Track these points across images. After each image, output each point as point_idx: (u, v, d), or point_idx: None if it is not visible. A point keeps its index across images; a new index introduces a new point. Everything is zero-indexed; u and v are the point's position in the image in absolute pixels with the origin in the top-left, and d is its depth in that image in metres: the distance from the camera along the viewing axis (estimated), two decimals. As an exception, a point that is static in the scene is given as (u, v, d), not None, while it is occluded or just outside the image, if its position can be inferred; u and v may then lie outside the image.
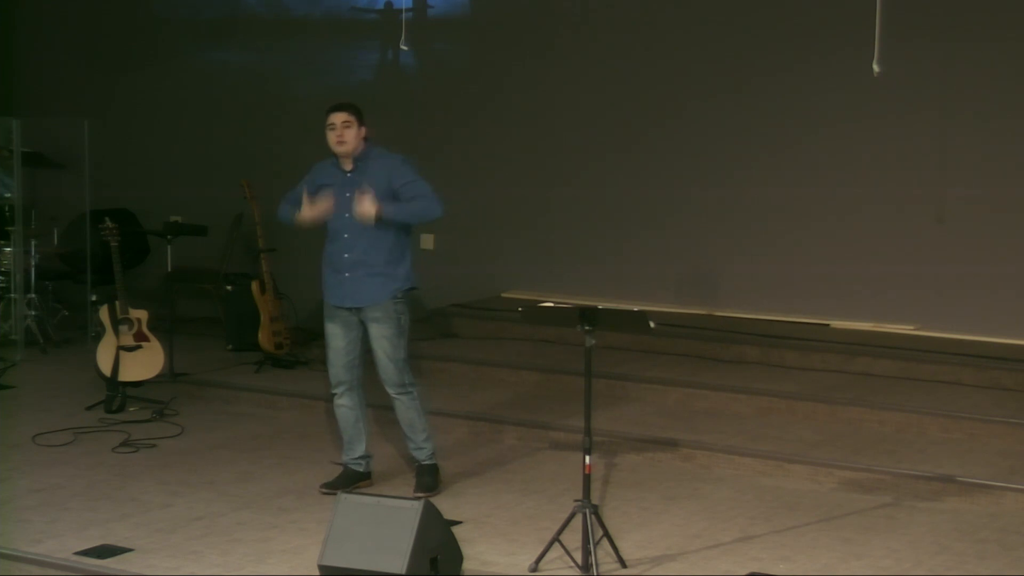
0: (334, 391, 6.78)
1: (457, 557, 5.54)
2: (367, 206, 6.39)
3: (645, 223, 9.87)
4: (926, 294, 8.96)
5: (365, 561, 5.26)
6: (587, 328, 5.58)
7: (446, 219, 10.45)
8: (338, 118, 6.61)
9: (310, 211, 6.56)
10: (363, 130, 6.65)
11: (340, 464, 6.87)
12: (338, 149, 6.60)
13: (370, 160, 6.63)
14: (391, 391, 6.70)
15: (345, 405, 6.76)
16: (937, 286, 8.91)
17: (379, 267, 6.61)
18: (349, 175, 6.61)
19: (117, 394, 8.24)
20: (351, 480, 6.70)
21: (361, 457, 6.79)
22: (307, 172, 6.85)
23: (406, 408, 6.72)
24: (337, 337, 6.70)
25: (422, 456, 6.75)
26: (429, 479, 6.70)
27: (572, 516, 5.67)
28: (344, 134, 6.57)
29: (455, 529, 5.76)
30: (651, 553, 5.89)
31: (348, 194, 6.53)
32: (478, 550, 5.86)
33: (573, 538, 5.63)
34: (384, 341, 6.63)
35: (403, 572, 5.17)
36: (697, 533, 6.16)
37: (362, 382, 6.80)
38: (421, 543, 5.25)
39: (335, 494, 5.71)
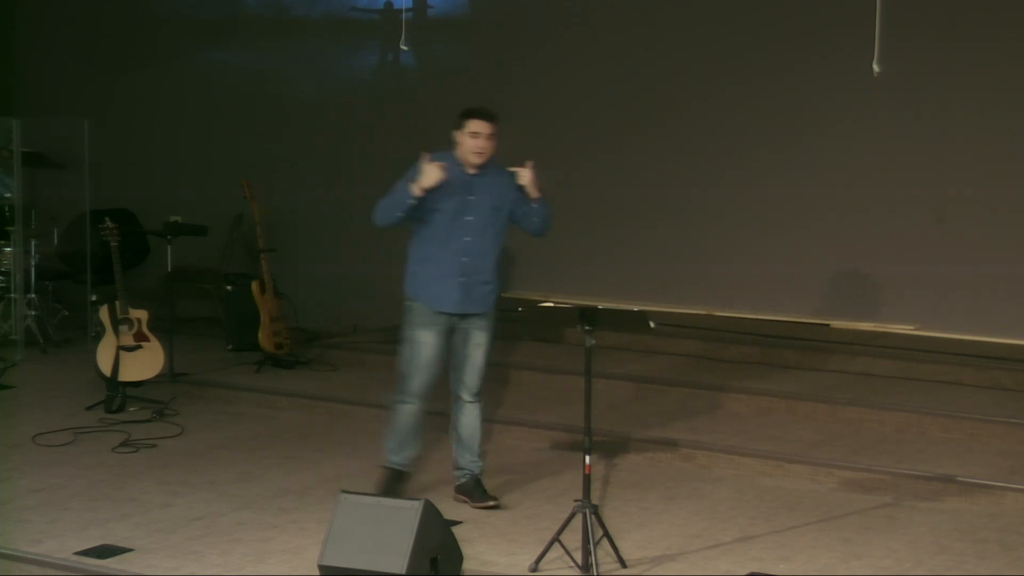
0: (405, 402, 6.49)
1: (457, 557, 5.54)
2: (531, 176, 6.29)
3: (645, 223, 9.88)
4: (926, 294, 8.96)
5: (365, 561, 5.25)
6: (587, 328, 5.58)
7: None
8: (486, 128, 6.30)
9: (434, 172, 6.18)
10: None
11: (390, 466, 6.58)
12: (475, 159, 6.30)
13: (491, 167, 6.37)
14: (467, 397, 6.50)
15: (413, 414, 6.50)
16: (937, 286, 8.91)
17: (488, 274, 6.39)
18: (473, 177, 6.34)
19: (117, 394, 8.24)
20: (398, 481, 6.52)
21: (407, 462, 6.57)
22: (413, 165, 6.40)
23: (475, 416, 6.52)
24: (430, 346, 6.39)
25: (477, 468, 6.56)
26: (479, 487, 6.52)
27: (572, 516, 5.66)
28: (487, 146, 6.31)
29: (455, 529, 5.76)
30: (651, 553, 5.88)
31: (471, 197, 6.32)
32: (478, 550, 5.86)
33: (573, 538, 5.63)
34: (482, 349, 6.43)
35: (403, 572, 5.17)
36: (697, 533, 6.16)
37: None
38: (421, 543, 5.25)
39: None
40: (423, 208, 6.31)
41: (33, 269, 10.04)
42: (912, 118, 8.98)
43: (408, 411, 6.49)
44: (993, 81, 8.77)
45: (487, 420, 7.81)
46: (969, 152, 8.86)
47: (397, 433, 6.54)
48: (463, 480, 6.55)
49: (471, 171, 6.34)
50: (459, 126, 6.35)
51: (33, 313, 9.97)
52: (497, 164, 6.41)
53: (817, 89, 9.24)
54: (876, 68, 7.24)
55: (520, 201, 6.38)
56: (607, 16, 9.97)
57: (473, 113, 6.34)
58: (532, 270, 10.15)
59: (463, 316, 6.38)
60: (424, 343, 6.38)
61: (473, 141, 6.29)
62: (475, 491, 6.50)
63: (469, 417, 6.52)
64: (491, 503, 6.43)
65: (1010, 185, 8.73)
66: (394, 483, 6.51)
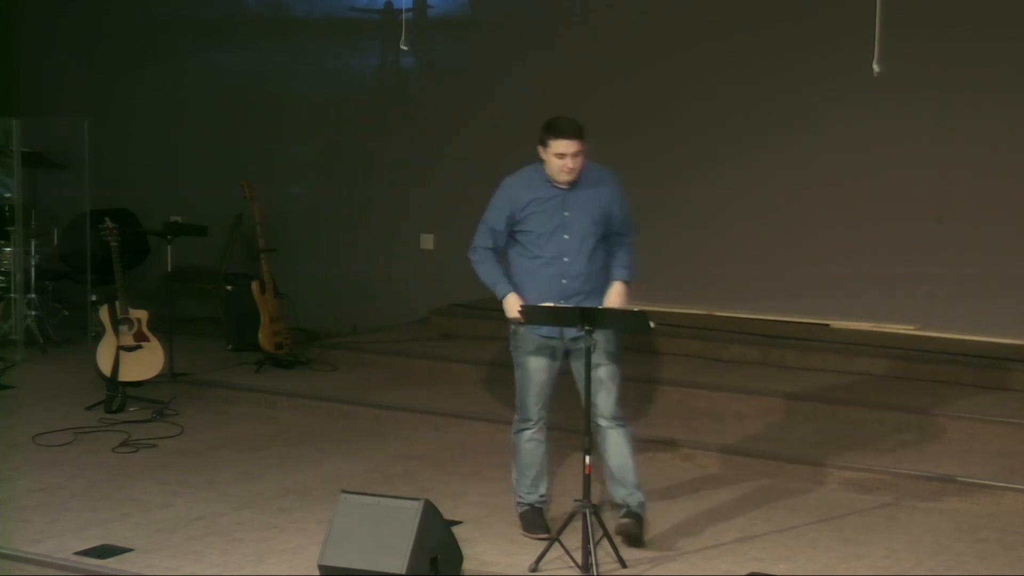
0: (525, 427, 6.12)
1: (457, 557, 5.54)
2: (619, 299, 5.93)
3: (645, 223, 9.77)
4: (926, 294, 8.96)
5: (365, 561, 5.26)
6: (587, 328, 5.58)
7: (446, 219, 10.64)
8: (571, 148, 5.83)
9: (511, 311, 5.94)
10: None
11: (528, 504, 6.16)
12: (564, 178, 5.89)
13: (585, 176, 5.93)
14: (605, 423, 5.97)
15: (536, 439, 6.10)
16: (937, 286, 8.91)
17: (599, 292, 5.97)
18: (567, 192, 5.93)
19: (117, 394, 8.24)
20: (540, 516, 6.10)
21: (544, 495, 6.16)
22: (498, 189, 6.14)
23: (621, 443, 6.00)
24: (541, 371, 6.01)
25: (634, 501, 6.00)
26: (638, 530, 5.95)
27: (572, 516, 5.66)
28: (576, 164, 5.87)
29: (455, 529, 5.77)
30: (651, 553, 5.88)
31: (567, 213, 5.92)
32: (478, 550, 5.86)
33: (573, 538, 5.63)
34: (604, 368, 5.92)
35: (403, 572, 5.17)
36: (697, 533, 6.16)
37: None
38: (421, 543, 5.25)
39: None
40: (516, 231, 6.02)
41: (33, 269, 10.04)
42: (912, 118, 8.98)
43: (529, 440, 6.10)
44: (993, 81, 8.76)
45: (488, 420, 7.87)
46: (969, 152, 8.86)
47: (527, 467, 6.12)
48: (623, 520, 6.00)
49: (562, 186, 5.94)
50: (542, 142, 5.91)
51: (33, 313, 9.97)
52: (590, 167, 5.98)
53: (817, 89, 9.24)
54: (876, 68, 7.24)
55: (621, 221, 6.04)
56: (607, 16, 9.97)
57: (556, 131, 5.85)
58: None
59: (575, 339, 5.86)
60: (535, 369, 6.01)
61: (560, 162, 5.86)
62: (625, 529, 5.94)
63: (613, 444, 6.00)
64: (630, 542, 5.88)
65: (1010, 185, 8.72)
66: (538, 518, 6.11)
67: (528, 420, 6.12)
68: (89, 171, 10.25)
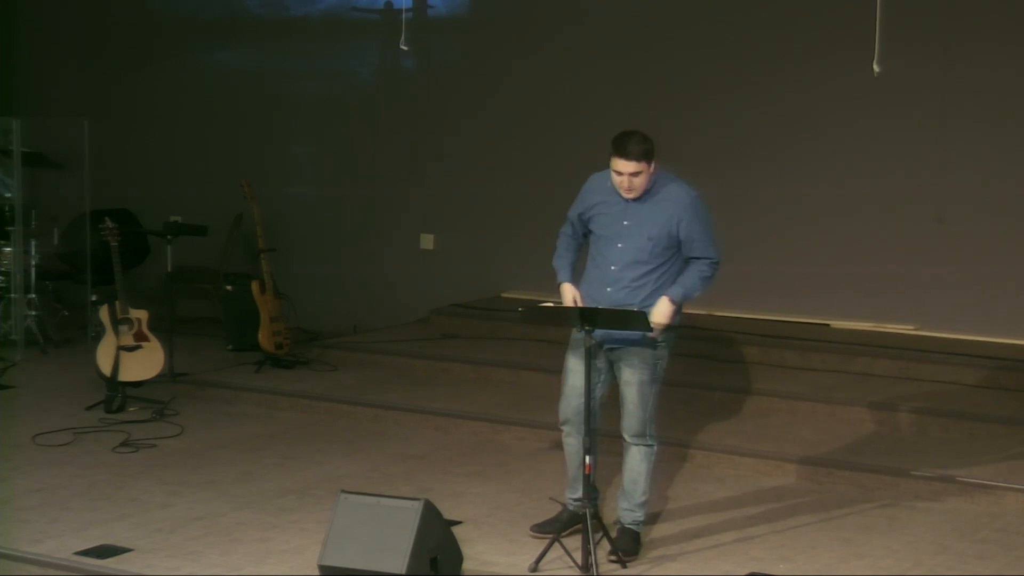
0: (561, 426, 6.07)
1: (457, 557, 5.54)
2: (663, 317, 5.78)
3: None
4: (926, 294, 8.96)
5: (365, 561, 5.26)
6: (587, 328, 5.58)
7: (446, 219, 10.65)
8: (628, 168, 5.73)
9: (566, 299, 5.91)
10: (653, 166, 5.78)
11: (561, 504, 6.16)
12: (624, 195, 5.83)
13: (657, 190, 5.83)
14: (627, 438, 5.96)
15: (569, 442, 6.04)
16: (937, 286, 8.91)
17: (636, 306, 5.80)
18: (630, 202, 5.84)
19: (117, 394, 8.23)
20: (558, 520, 6.06)
21: (580, 500, 5.89)
22: (584, 183, 6.11)
23: (637, 460, 5.96)
24: (576, 373, 5.88)
25: (628, 519, 5.98)
26: (631, 543, 5.90)
27: (572, 516, 5.66)
28: (633, 184, 5.77)
29: (455, 529, 5.77)
30: (651, 553, 5.89)
31: (626, 222, 5.84)
32: (478, 550, 5.86)
33: (573, 538, 5.63)
34: (633, 387, 5.88)
35: (403, 572, 5.17)
36: (697, 533, 6.16)
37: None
38: (421, 543, 5.25)
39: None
40: (588, 226, 6.00)
41: (33, 269, 10.03)
42: (912, 118, 8.98)
43: (566, 443, 6.06)
44: (993, 81, 8.76)
45: (487, 420, 7.87)
46: (969, 152, 8.86)
47: (568, 467, 6.11)
48: (616, 532, 5.96)
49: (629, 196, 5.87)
50: (611, 153, 5.84)
51: (33, 313, 9.96)
52: (668, 181, 5.88)
53: (817, 89, 9.24)
54: (876, 68, 7.24)
55: (692, 244, 5.83)
56: (607, 16, 9.97)
57: (617, 149, 5.75)
58: (532, 270, 10.14)
59: (613, 349, 5.86)
60: (572, 370, 5.93)
61: (618, 179, 5.78)
62: (616, 540, 5.86)
63: (631, 460, 5.97)
64: (619, 558, 5.77)
65: (1010, 185, 8.72)
66: (558, 520, 6.06)
67: (562, 421, 6.06)
68: (89, 171, 10.25)
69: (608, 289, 5.86)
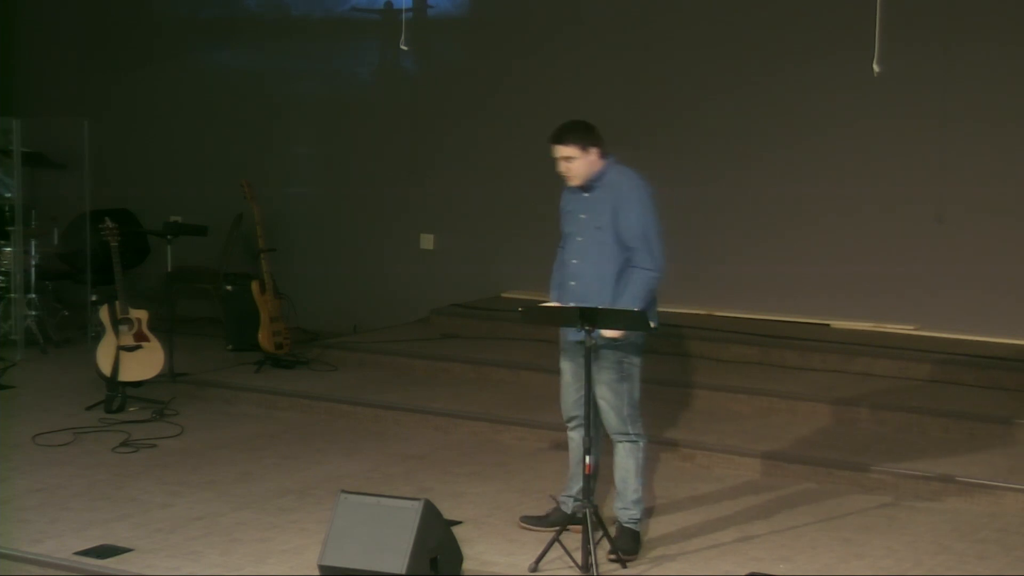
0: (566, 424, 6.14)
1: (457, 557, 5.54)
2: (612, 333, 5.77)
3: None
4: (926, 294, 8.96)
5: (365, 561, 5.26)
6: (587, 328, 5.58)
7: (446, 219, 10.65)
8: (558, 152, 5.89)
9: None
10: (592, 152, 5.89)
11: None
12: (569, 183, 5.97)
13: (604, 180, 5.90)
14: (612, 436, 5.99)
15: (571, 438, 6.09)
16: (937, 286, 8.91)
17: (600, 301, 5.77)
18: (583, 195, 5.94)
19: (117, 394, 8.24)
20: (552, 515, 6.13)
21: (573, 496, 6.07)
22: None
23: (623, 456, 5.96)
24: (564, 372, 6.03)
25: (624, 518, 5.96)
26: (630, 542, 5.88)
27: (572, 516, 5.66)
28: (568, 168, 5.90)
29: (455, 529, 5.77)
30: (651, 553, 5.89)
31: (582, 216, 5.91)
32: (478, 550, 5.86)
33: (573, 538, 5.63)
34: (604, 385, 5.88)
35: (403, 572, 5.17)
36: (697, 533, 6.16)
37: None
38: (421, 543, 5.25)
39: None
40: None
41: (33, 269, 10.04)
42: (912, 118, 8.98)
43: (570, 437, 6.11)
44: (993, 81, 8.77)
45: (487, 420, 7.87)
46: (969, 152, 8.86)
47: (571, 464, 6.17)
48: (615, 532, 5.94)
49: (585, 190, 5.94)
50: None
51: (33, 313, 9.96)
52: (615, 171, 5.94)
53: (817, 89, 9.24)
54: (876, 68, 7.24)
55: (628, 232, 5.83)
56: (607, 16, 9.97)
57: (552, 135, 5.94)
58: (532, 270, 10.14)
59: (580, 340, 5.77)
60: (562, 370, 6.05)
61: (558, 167, 5.95)
62: (615, 540, 5.84)
63: (617, 457, 5.98)
64: (619, 557, 5.77)
65: (1010, 185, 8.73)
66: (551, 514, 6.14)
67: (565, 420, 6.12)
68: (89, 171, 10.26)
69: (572, 283, 5.93)
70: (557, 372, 8.44)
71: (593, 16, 10.04)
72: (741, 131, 9.50)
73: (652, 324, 5.72)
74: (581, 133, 5.91)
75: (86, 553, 5.79)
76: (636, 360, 5.93)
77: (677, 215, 9.70)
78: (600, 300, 5.77)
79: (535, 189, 10.09)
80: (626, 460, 5.97)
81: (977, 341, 8.65)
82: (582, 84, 9.98)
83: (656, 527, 6.23)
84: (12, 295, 9.85)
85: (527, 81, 10.21)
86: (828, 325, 9.23)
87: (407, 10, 10.42)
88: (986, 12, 8.75)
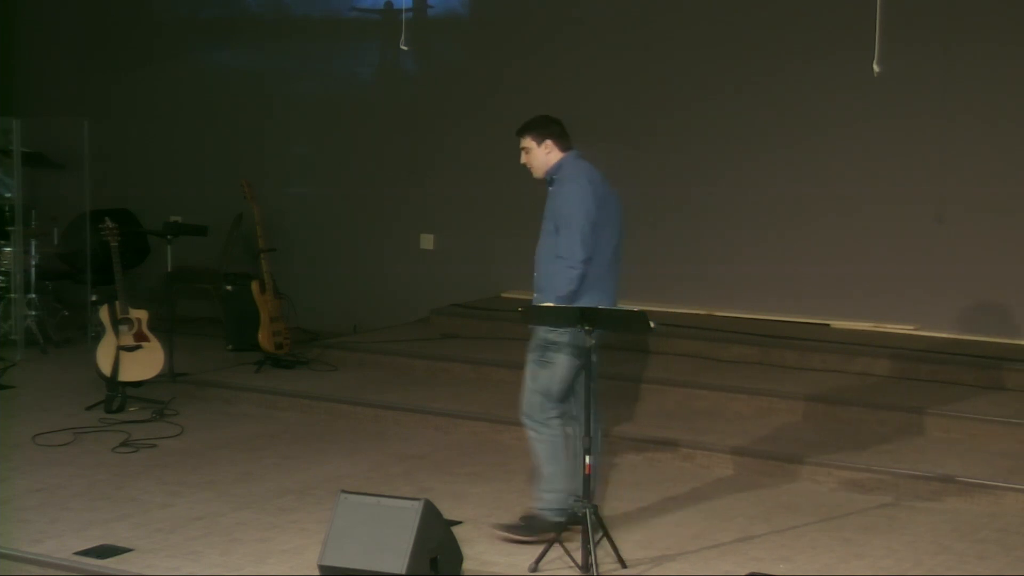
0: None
1: (457, 557, 5.54)
2: None
3: (645, 223, 9.86)
4: (926, 294, 8.96)
5: (365, 561, 5.25)
6: (587, 328, 5.58)
7: (446, 219, 10.64)
8: (520, 143, 6.18)
9: None
10: (547, 145, 6.09)
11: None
12: (533, 174, 6.19)
13: (560, 173, 6.07)
14: (522, 419, 6.14)
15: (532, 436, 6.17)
16: (937, 286, 8.91)
17: (541, 289, 6.00)
18: (550, 190, 6.13)
19: (117, 394, 8.24)
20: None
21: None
22: None
23: (534, 442, 6.06)
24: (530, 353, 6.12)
25: (535, 504, 6.06)
26: (525, 523, 5.97)
27: (572, 516, 5.66)
28: (527, 160, 6.17)
29: (455, 529, 5.77)
30: (651, 553, 5.88)
31: (545, 213, 6.09)
32: (478, 550, 5.86)
33: (573, 538, 5.63)
34: (528, 368, 6.07)
35: (403, 572, 5.17)
36: (697, 533, 6.16)
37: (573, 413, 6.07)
38: (421, 543, 5.25)
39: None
40: None
41: (33, 269, 10.04)
42: (912, 118, 8.98)
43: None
44: (993, 81, 8.77)
45: (487, 420, 7.86)
46: (969, 152, 8.86)
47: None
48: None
49: (549, 184, 6.11)
50: None
51: (33, 313, 9.97)
52: (568, 168, 6.07)
53: (817, 89, 9.24)
54: (876, 68, 7.25)
55: (560, 232, 5.92)
56: (607, 16, 9.97)
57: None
58: (533, 270, 10.15)
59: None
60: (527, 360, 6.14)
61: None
62: (513, 525, 6.00)
63: (531, 443, 6.10)
64: (504, 534, 5.99)
65: (1010, 185, 8.73)
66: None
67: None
68: (89, 171, 10.26)
69: (535, 275, 6.06)
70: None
71: (593, 16, 10.04)
72: (741, 131, 9.50)
73: (652, 324, 5.71)
74: (538, 126, 6.14)
75: (86, 553, 5.79)
76: (561, 358, 5.97)
77: (677, 215, 9.77)
78: (546, 292, 5.94)
79: (535, 189, 10.06)
80: (536, 446, 6.07)
81: (977, 341, 8.65)
82: (582, 84, 9.98)
83: (656, 527, 6.23)
84: (12, 295, 9.85)
85: (527, 81, 10.20)
86: (828, 325, 9.23)
87: (407, 10, 10.42)
88: (986, 12, 8.75)
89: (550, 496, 6.01)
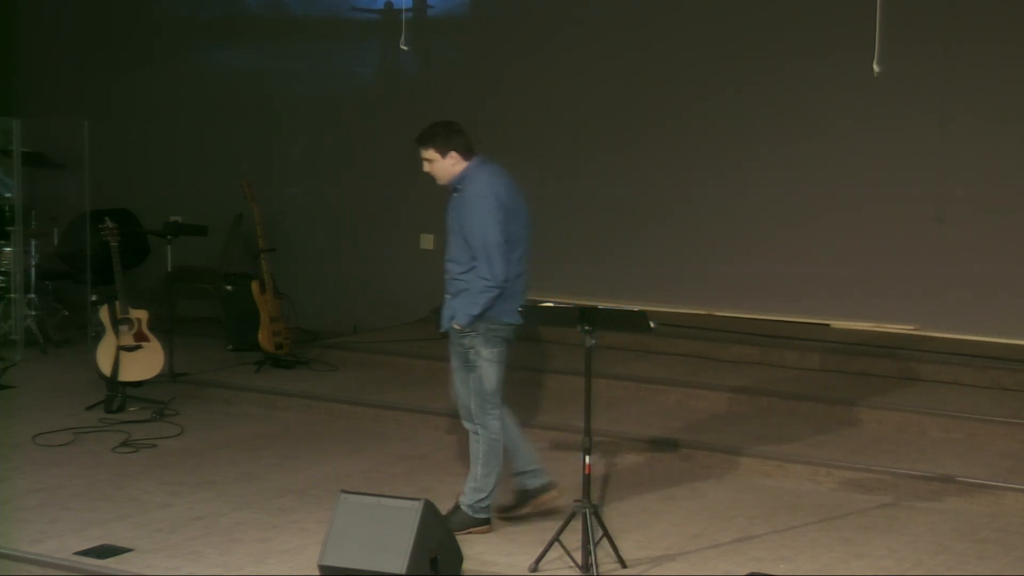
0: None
1: (457, 557, 5.54)
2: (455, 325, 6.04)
3: (645, 223, 9.88)
4: (926, 294, 8.96)
5: (365, 561, 5.26)
6: (587, 328, 5.58)
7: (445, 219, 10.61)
8: (421, 153, 6.22)
9: None
10: (452, 156, 6.16)
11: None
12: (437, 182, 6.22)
13: (465, 181, 6.13)
14: (464, 423, 6.26)
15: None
16: (937, 286, 8.91)
17: (453, 292, 6.07)
18: (455, 196, 6.17)
19: (117, 394, 8.24)
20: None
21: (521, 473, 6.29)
22: None
23: (472, 443, 6.20)
24: (453, 357, 6.20)
25: (463, 500, 6.14)
26: (452, 520, 5.94)
27: (572, 516, 5.67)
28: (431, 170, 6.21)
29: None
30: (651, 553, 5.88)
31: (451, 214, 6.14)
32: (478, 550, 5.86)
33: (573, 538, 5.63)
34: (456, 375, 6.15)
35: (403, 572, 5.17)
36: (697, 533, 6.16)
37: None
38: (421, 543, 5.25)
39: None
40: None
41: (33, 269, 10.04)
42: (912, 118, 8.99)
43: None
44: (993, 81, 8.77)
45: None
46: (969, 152, 8.86)
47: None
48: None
49: (455, 190, 6.18)
50: None
51: (33, 313, 9.96)
52: (472, 174, 6.14)
53: (817, 89, 9.24)
54: (876, 68, 7.24)
55: (464, 231, 6.01)
56: (607, 16, 9.97)
57: (417, 136, 6.30)
58: (532, 270, 10.14)
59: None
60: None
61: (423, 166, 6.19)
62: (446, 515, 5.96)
63: (471, 442, 6.21)
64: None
65: (1010, 185, 8.73)
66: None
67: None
68: (89, 171, 10.25)
69: (446, 276, 6.10)
70: (553, 372, 8.50)
71: (593, 16, 10.04)
72: (741, 131, 9.50)
73: (652, 324, 5.71)
74: (440, 137, 6.16)
75: (86, 553, 5.79)
76: (487, 353, 6.03)
77: (677, 215, 9.77)
78: (461, 301, 5.97)
79: (534, 189, 10.08)
80: (474, 446, 6.15)
81: (977, 341, 8.65)
82: (582, 84, 9.98)
83: (656, 527, 6.23)
84: (12, 295, 9.85)
85: (527, 81, 10.21)
86: (828, 325, 9.23)
87: (407, 10, 10.42)
88: (986, 12, 8.75)
89: (475, 495, 6.10)
